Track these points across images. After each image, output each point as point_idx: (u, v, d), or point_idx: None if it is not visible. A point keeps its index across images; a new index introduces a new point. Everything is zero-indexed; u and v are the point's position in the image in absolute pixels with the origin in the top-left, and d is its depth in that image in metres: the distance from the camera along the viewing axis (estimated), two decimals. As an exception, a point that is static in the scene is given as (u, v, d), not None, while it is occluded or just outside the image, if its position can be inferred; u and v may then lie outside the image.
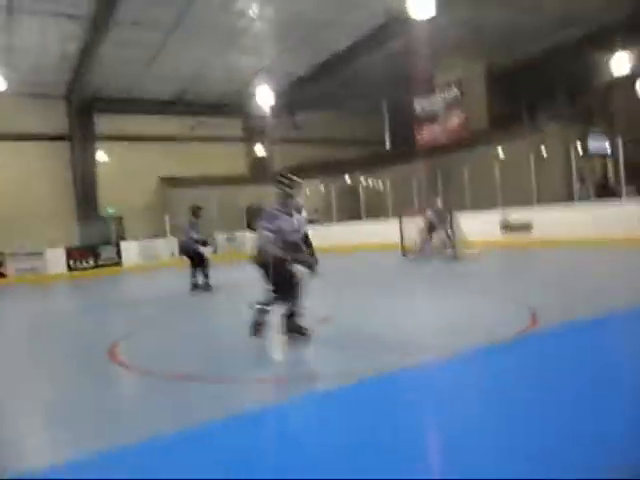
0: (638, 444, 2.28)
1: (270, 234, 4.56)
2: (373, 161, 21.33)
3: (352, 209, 19.11)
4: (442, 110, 18.34)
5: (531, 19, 15.27)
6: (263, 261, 4.54)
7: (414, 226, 12.17)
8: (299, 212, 5.02)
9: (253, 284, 5.11)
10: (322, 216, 19.53)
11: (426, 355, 3.99)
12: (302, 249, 4.81)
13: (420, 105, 19.15)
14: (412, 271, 10.29)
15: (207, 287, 8.90)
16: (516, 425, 2.57)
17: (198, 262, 9.00)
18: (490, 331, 4.59)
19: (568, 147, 13.83)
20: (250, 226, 19.51)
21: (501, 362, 3.68)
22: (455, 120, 17.85)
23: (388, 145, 22.81)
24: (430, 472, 2.22)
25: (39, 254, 15.75)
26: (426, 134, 19.07)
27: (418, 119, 19.35)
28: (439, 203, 11.90)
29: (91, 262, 16.53)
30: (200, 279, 8.94)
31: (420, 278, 9.23)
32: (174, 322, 6.58)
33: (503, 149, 15.82)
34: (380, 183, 18.77)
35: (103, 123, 19.59)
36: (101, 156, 19.00)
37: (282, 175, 5.00)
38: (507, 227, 13.40)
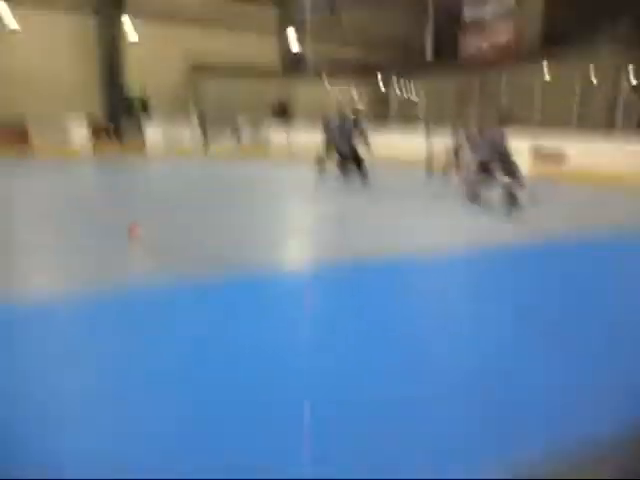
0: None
1: None
2: (410, 68, 20.26)
3: (382, 116, 18.52)
4: (493, 21, 17.04)
5: None
6: None
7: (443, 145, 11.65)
8: None
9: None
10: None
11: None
12: None
13: (470, 12, 17.78)
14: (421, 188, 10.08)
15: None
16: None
17: None
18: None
19: (619, 73, 12.93)
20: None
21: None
22: (505, 33, 16.62)
23: (429, 52, 21.51)
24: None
25: (63, 129, 15.73)
26: (472, 45, 17.87)
27: (465, 28, 18.05)
28: (473, 127, 11.08)
29: (114, 140, 16.51)
30: None
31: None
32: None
33: (550, 69, 14.85)
34: (414, 92, 17.99)
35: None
36: (130, 32, 18.23)
37: None
38: (539, 155, 12.89)
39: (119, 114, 18.17)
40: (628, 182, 10.16)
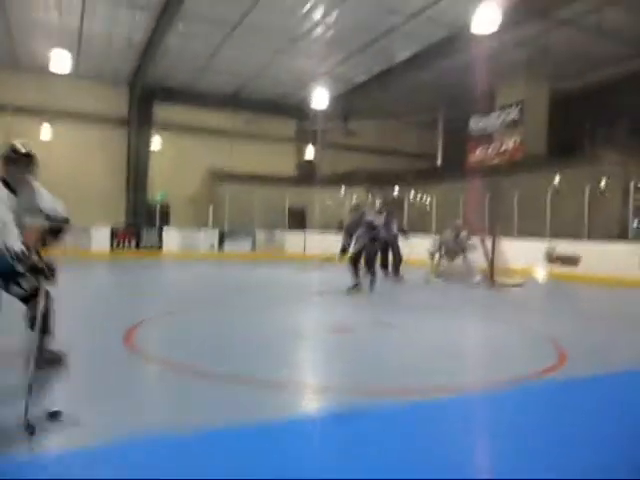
0: None
1: None
2: (422, 175, 21.00)
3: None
4: (499, 131, 17.84)
5: (602, 43, 14.73)
6: None
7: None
8: None
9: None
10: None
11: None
12: None
13: (476, 124, 18.70)
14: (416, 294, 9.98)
15: None
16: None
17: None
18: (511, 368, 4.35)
19: (628, 182, 13.19)
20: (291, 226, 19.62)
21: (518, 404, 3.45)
22: (511, 143, 17.31)
23: (440, 161, 22.43)
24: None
25: (85, 231, 16.31)
26: (479, 154, 18.59)
27: (472, 138, 18.90)
28: (460, 227, 11.19)
29: (133, 244, 16.98)
30: None
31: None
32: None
33: (558, 177, 15.24)
34: (426, 199, 18.45)
35: (162, 112, 20.09)
36: (156, 144, 19.48)
37: None
38: (553, 259, 12.87)
39: (141, 221, 18.94)
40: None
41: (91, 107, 19.24)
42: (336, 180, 21.28)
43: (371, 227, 9.40)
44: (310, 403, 3.45)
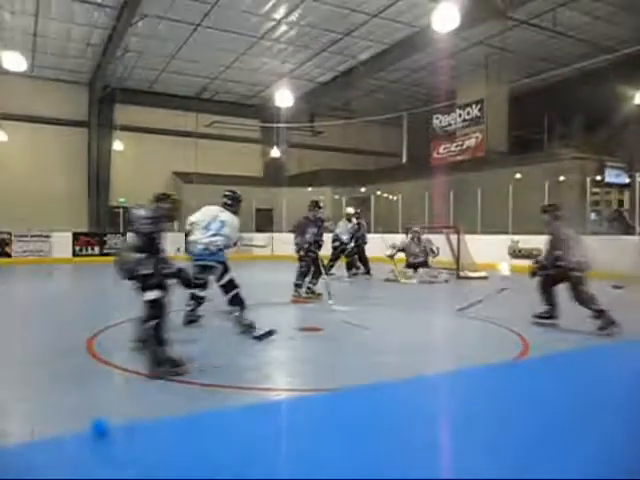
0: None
1: None
2: (388, 173, 21.23)
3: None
4: (460, 129, 18.22)
5: (560, 43, 15.21)
6: None
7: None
8: None
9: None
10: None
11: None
12: None
13: (439, 121, 19.06)
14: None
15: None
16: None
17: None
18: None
19: (585, 176, 13.65)
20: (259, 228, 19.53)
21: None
22: (473, 140, 17.69)
23: (404, 158, 22.71)
24: None
25: (46, 237, 15.83)
26: (442, 151, 18.95)
27: (436, 136, 19.25)
28: (418, 232, 11.26)
29: (96, 249, 16.58)
30: None
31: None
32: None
33: (519, 173, 15.65)
34: (393, 197, 18.64)
35: (122, 113, 19.68)
36: (117, 145, 19.06)
37: None
38: (515, 253, 13.22)
39: (104, 226, 18.51)
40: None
41: (49, 108, 18.70)
42: (303, 180, 21.30)
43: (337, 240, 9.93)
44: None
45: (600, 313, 5.30)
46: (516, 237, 13.30)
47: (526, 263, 12.53)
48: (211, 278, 5.63)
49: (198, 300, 5.72)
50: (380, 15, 13.85)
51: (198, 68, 18.13)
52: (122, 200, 19.80)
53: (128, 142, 19.38)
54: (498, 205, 14.12)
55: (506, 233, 13.65)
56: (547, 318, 5.77)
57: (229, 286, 5.40)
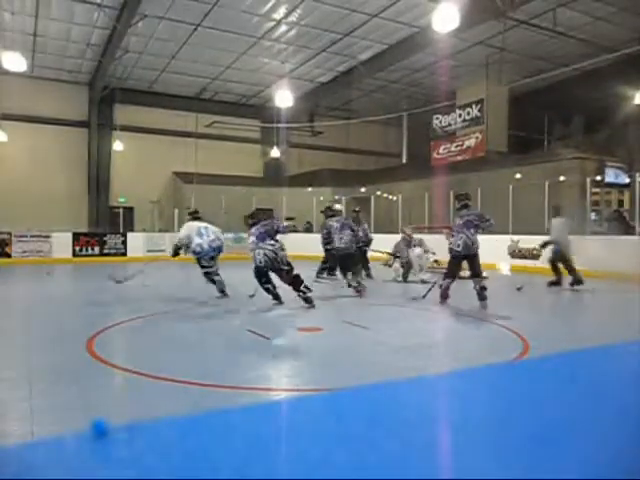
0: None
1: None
2: (387, 173, 21.25)
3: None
4: (460, 129, 18.22)
5: (560, 43, 15.21)
6: None
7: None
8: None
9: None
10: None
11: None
12: None
13: (439, 122, 19.06)
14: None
15: None
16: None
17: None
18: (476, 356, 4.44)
19: (585, 176, 13.66)
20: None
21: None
22: (473, 140, 17.69)
23: (404, 158, 22.73)
24: None
25: (46, 237, 15.82)
26: (442, 151, 18.95)
27: (436, 136, 19.25)
28: (409, 234, 10.93)
29: (96, 250, 16.56)
30: None
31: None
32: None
33: (519, 173, 15.65)
34: (392, 197, 18.64)
35: (122, 113, 19.71)
36: (117, 145, 19.07)
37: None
38: (515, 253, 13.22)
39: (104, 226, 18.51)
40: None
41: (49, 108, 18.72)
42: (303, 180, 21.29)
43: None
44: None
45: None
46: (516, 237, 13.29)
47: (526, 263, 12.69)
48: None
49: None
50: (380, 15, 13.85)
51: (198, 68, 18.13)
52: (122, 200, 19.90)
53: (128, 142, 19.38)
54: (498, 205, 14.11)
55: (506, 233, 13.64)
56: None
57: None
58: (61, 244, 16.00)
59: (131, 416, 3.00)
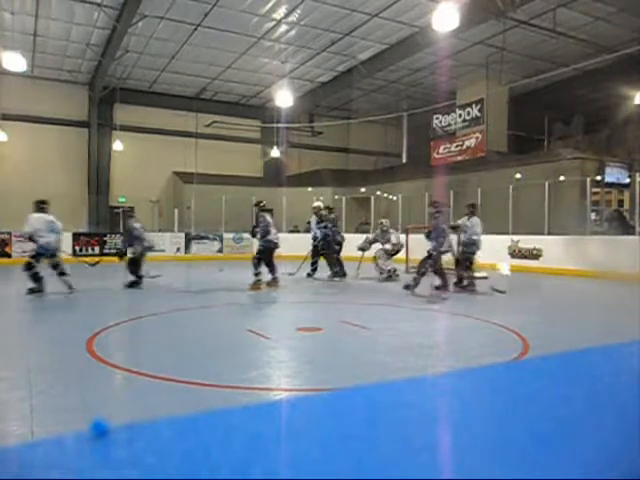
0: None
1: None
2: (387, 173, 21.25)
3: (363, 221, 19.07)
4: (460, 129, 18.22)
5: (560, 43, 15.20)
6: None
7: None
8: None
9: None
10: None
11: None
12: None
13: (439, 121, 19.05)
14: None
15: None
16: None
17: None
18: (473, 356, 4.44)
19: (585, 176, 13.66)
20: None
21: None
22: (473, 140, 17.69)
23: (404, 158, 22.72)
24: None
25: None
26: (442, 151, 18.95)
27: (435, 135, 19.25)
28: (386, 225, 11.11)
29: (96, 249, 16.56)
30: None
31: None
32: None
33: (519, 173, 15.64)
34: (392, 197, 18.65)
35: (122, 113, 19.71)
36: (117, 145, 19.06)
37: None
38: (515, 253, 13.22)
39: (104, 225, 18.50)
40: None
41: (49, 108, 18.71)
42: (303, 180, 21.29)
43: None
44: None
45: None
46: (516, 237, 13.30)
47: (526, 263, 12.69)
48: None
49: None
50: (380, 15, 13.85)
51: (198, 68, 18.13)
52: (122, 200, 19.88)
53: (128, 142, 19.38)
54: (498, 205, 14.12)
55: (506, 233, 13.65)
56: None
57: None
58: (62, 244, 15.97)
59: (131, 416, 3.00)
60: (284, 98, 15.54)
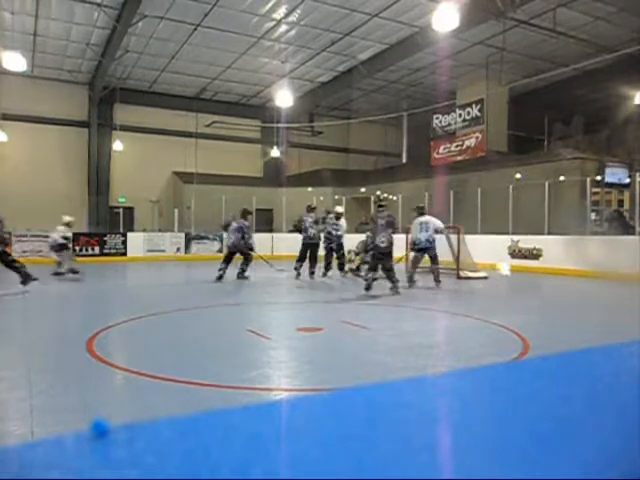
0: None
1: None
2: (387, 173, 21.25)
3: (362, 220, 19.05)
4: (460, 129, 18.22)
5: (560, 43, 15.20)
6: None
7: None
8: None
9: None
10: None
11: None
12: None
13: (439, 121, 19.06)
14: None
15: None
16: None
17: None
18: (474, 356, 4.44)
19: (585, 176, 13.66)
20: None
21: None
22: (473, 140, 17.69)
23: (404, 158, 22.73)
24: None
25: (45, 237, 15.78)
26: (442, 151, 18.95)
27: (435, 135, 19.25)
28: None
29: (97, 249, 16.57)
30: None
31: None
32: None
33: (519, 173, 15.64)
34: (392, 197, 18.64)
35: (122, 113, 19.72)
36: (117, 145, 19.07)
37: None
38: (515, 253, 13.22)
39: (104, 225, 18.52)
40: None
41: (49, 108, 18.71)
42: (303, 180, 21.29)
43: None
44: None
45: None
46: (516, 237, 13.30)
47: (526, 263, 12.69)
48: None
49: None
50: (380, 15, 13.85)
51: (198, 68, 18.13)
52: (122, 200, 19.88)
53: (128, 142, 19.38)
54: (498, 205, 14.13)
55: (506, 233, 13.65)
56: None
57: None
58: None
59: (131, 416, 3.00)
60: (284, 98, 15.54)
